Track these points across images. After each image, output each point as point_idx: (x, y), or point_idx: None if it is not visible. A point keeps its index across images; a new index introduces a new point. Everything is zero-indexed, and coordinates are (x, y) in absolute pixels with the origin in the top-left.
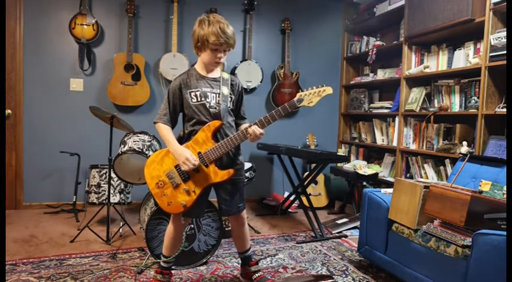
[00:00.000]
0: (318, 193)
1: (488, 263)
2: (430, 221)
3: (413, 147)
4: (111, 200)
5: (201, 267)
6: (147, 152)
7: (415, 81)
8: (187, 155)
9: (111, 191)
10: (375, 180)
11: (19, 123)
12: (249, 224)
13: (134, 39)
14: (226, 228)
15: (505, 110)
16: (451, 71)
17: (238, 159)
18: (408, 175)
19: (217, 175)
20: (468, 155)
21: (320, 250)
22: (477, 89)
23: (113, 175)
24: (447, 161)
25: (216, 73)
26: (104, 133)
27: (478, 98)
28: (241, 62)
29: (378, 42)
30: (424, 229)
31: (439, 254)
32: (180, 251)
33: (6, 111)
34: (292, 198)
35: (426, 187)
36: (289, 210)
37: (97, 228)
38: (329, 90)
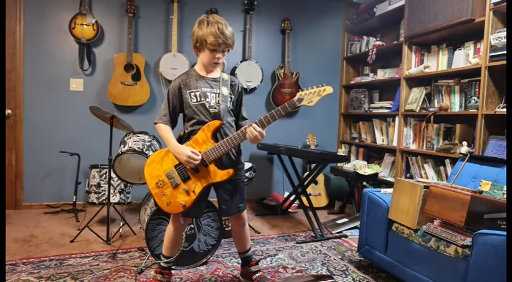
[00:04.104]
0: (318, 193)
1: (488, 263)
2: (430, 221)
3: (413, 147)
4: (111, 200)
5: (201, 267)
6: (147, 152)
7: (415, 81)
8: (188, 153)
9: (111, 191)
10: (375, 180)
11: (19, 123)
12: (249, 224)
13: (134, 39)
14: (226, 228)
15: (505, 110)
16: (451, 71)
17: (238, 159)
18: (408, 175)
19: (217, 175)
20: (468, 155)
21: (320, 250)
22: (477, 89)
23: (113, 175)
24: (447, 161)
25: (216, 73)
26: (104, 133)
27: (478, 98)
28: (241, 62)
29: (378, 42)
30: (424, 229)
31: (439, 254)
32: (180, 252)
33: (6, 111)
34: (292, 198)
35: (426, 187)
36: (289, 210)
37: (97, 228)
38: (329, 89)
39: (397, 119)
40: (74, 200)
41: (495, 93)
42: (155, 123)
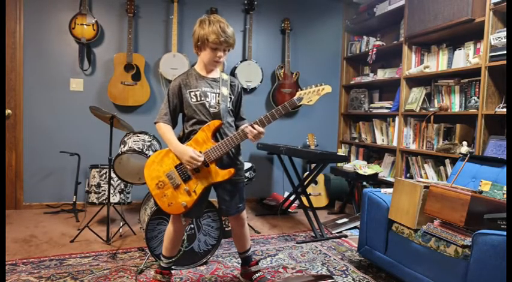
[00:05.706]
0: (318, 193)
1: (488, 263)
2: (430, 221)
3: (413, 147)
4: (111, 200)
5: (201, 267)
6: (147, 152)
7: (415, 81)
8: (190, 153)
9: (111, 191)
10: (375, 180)
11: (19, 123)
12: (249, 224)
13: (134, 39)
14: (226, 228)
15: (505, 110)
16: (451, 71)
17: (238, 160)
18: (408, 175)
19: (218, 174)
20: (468, 155)
21: (320, 250)
22: (477, 89)
23: (112, 175)
24: (447, 161)
25: (216, 74)
26: (104, 133)
27: (478, 98)
28: (241, 62)
29: (378, 42)
30: (424, 229)
31: (439, 254)
32: (181, 253)
33: (6, 111)
34: (292, 198)
35: (426, 187)
36: (289, 210)
37: (97, 228)
38: (328, 88)
39: (397, 119)
40: (74, 200)
41: (495, 93)
42: (155, 123)
